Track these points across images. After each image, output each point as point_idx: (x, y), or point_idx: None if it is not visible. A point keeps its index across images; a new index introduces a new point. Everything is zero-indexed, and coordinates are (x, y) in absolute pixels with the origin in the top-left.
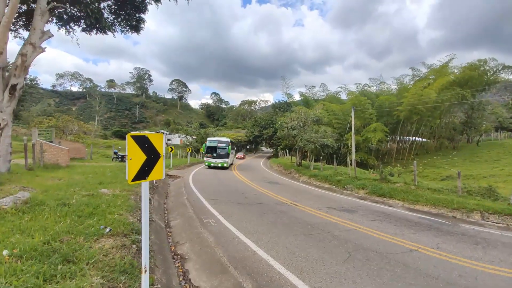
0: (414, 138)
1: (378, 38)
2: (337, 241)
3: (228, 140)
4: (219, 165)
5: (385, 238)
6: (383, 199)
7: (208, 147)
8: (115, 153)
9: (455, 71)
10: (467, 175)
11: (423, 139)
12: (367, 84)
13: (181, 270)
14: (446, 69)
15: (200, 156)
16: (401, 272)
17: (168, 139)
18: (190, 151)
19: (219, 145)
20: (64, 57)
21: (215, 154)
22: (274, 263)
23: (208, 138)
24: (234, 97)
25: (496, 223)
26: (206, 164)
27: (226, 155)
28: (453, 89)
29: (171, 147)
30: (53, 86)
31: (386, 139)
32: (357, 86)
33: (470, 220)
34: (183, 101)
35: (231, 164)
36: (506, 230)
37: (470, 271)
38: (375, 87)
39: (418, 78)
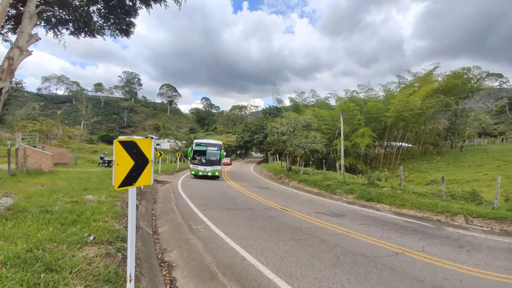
0: (400, 143)
1: (365, 46)
2: (326, 246)
3: (220, 143)
4: (209, 174)
5: (373, 242)
6: (371, 204)
7: (195, 152)
8: (101, 158)
9: (439, 79)
10: (451, 180)
11: (409, 145)
12: (355, 91)
13: (168, 278)
14: (430, 77)
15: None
16: (387, 276)
17: (157, 144)
18: (180, 156)
19: (210, 149)
20: (51, 60)
21: (204, 160)
22: (263, 268)
23: (195, 141)
24: (224, 102)
25: (480, 226)
26: (193, 173)
27: (218, 162)
28: (437, 97)
29: (160, 152)
30: (38, 89)
31: (374, 145)
32: (346, 93)
33: (454, 224)
34: (173, 105)
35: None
36: (491, 234)
37: (455, 274)
38: (363, 94)
39: (404, 85)
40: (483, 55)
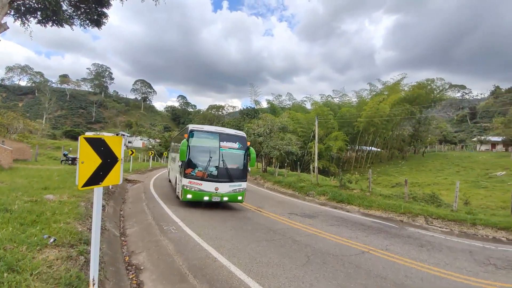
0: (370, 148)
1: (340, 53)
2: (298, 246)
3: (244, 135)
4: (225, 198)
5: (341, 241)
6: (341, 205)
7: (196, 151)
8: (64, 155)
9: (406, 88)
10: (414, 183)
11: (378, 149)
12: (330, 96)
13: (135, 282)
14: (398, 86)
15: (163, 160)
16: (354, 273)
17: (129, 142)
18: (153, 154)
19: (226, 145)
20: (16, 49)
21: (214, 171)
22: (235, 269)
23: (192, 126)
24: (201, 101)
25: (439, 227)
26: (189, 196)
27: (243, 173)
28: (404, 105)
29: (131, 150)
30: (1, 80)
31: (346, 148)
32: (321, 97)
33: (416, 224)
34: (148, 102)
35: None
36: (450, 235)
37: (416, 272)
38: (337, 99)
39: (374, 93)
40: (447, 67)
